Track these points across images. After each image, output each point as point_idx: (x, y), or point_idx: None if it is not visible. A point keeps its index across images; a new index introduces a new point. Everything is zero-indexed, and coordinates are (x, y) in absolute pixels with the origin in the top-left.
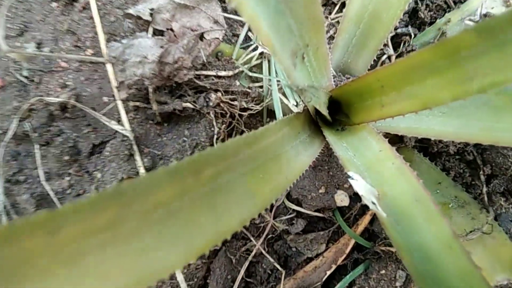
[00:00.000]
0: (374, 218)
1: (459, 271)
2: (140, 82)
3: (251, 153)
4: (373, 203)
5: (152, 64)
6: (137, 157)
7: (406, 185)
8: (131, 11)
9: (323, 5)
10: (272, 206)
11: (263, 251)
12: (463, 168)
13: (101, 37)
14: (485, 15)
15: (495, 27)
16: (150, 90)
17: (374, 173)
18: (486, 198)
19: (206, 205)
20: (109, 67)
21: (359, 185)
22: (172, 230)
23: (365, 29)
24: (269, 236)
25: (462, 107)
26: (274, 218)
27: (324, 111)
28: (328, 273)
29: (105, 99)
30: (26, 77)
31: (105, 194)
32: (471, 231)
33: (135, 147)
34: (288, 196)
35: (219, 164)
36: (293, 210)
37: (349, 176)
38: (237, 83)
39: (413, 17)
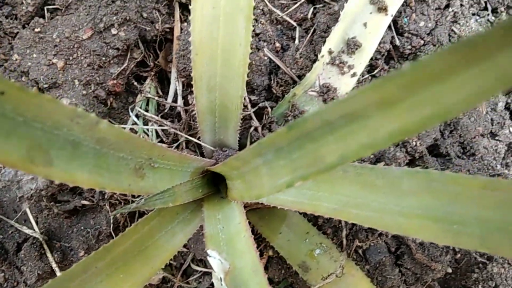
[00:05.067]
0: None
1: None
2: (38, 193)
3: (105, 263)
4: (220, 279)
5: (43, 178)
6: (48, 254)
7: (249, 257)
8: None
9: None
10: (180, 269)
11: None
12: None
13: None
14: (323, 86)
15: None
16: (44, 200)
17: (231, 247)
18: (344, 241)
19: None
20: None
21: (214, 263)
22: None
23: (221, 117)
24: None
25: None
26: (187, 278)
27: (183, 200)
28: None
29: None
30: None
31: None
32: (328, 275)
33: (45, 246)
34: (193, 260)
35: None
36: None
37: (207, 254)
38: None
39: (269, 92)
